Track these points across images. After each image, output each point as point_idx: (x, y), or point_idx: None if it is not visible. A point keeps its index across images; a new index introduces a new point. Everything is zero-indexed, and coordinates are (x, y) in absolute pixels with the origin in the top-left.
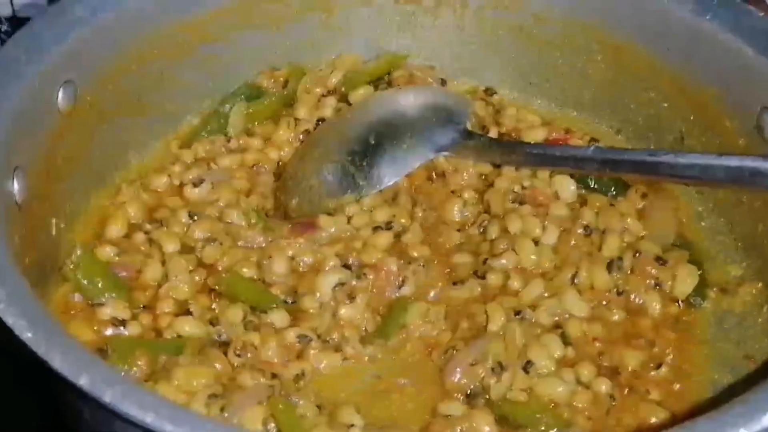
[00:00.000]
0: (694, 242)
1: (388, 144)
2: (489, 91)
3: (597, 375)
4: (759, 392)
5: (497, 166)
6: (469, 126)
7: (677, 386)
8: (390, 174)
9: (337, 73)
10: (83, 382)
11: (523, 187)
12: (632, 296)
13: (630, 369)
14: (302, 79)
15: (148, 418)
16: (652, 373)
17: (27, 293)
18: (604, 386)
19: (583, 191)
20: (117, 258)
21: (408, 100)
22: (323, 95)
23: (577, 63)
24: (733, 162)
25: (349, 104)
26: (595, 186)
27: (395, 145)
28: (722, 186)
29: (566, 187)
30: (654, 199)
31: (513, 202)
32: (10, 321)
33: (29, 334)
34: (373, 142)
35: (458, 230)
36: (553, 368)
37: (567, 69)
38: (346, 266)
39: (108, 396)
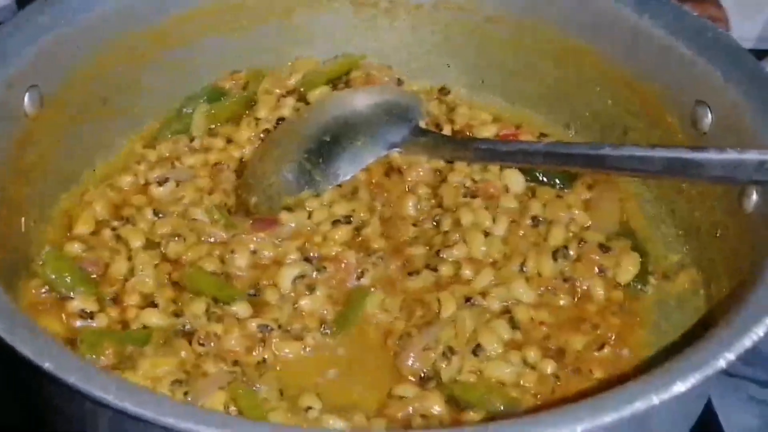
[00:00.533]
0: (637, 231)
1: (343, 142)
2: (443, 91)
3: (543, 357)
4: (673, 363)
5: (450, 162)
6: (421, 123)
7: (619, 366)
8: (345, 170)
9: (296, 75)
10: (48, 365)
11: (475, 181)
12: (577, 283)
13: (575, 351)
14: (262, 81)
15: (109, 397)
16: (596, 353)
17: None
18: (549, 367)
19: (533, 184)
20: (85, 254)
21: (362, 100)
22: (283, 96)
23: (527, 62)
24: (667, 153)
25: (308, 104)
26: (544, 179)
27: (350, 142)
28: (659, 176)
29: (515, 180)
30: (599, 190)
31: (465, 196)
32: None
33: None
34: (328, 140)
35: (413, 224)
36: (501, 351)
37: (518, 67)
38: (307, 259)
39: (72, 378)
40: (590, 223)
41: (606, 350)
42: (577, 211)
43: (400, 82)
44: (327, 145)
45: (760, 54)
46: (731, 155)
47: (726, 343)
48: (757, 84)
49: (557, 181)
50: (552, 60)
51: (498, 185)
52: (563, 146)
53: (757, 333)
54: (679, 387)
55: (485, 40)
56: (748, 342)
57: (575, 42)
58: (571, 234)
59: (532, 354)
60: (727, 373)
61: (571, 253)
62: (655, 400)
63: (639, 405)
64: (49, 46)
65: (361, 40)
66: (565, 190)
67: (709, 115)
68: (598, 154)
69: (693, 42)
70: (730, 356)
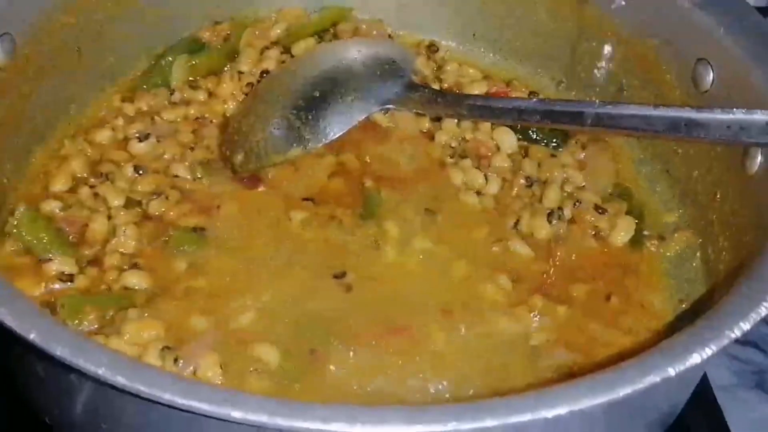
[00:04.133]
0: (633, 191)
1: (332, 97)
2: (432, 48)
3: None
4: (688, 334)
5: (437, 120)
6: (413, 78)
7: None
8: (335, 127)
9: (280, 25)
10: (33, 336)
11: (465, 140)
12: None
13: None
14: (244, 32)
15: (100, 370)
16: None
17: None
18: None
19: (525, 143)
20: (62, 213)
21: (352, 53)
22: (266, 48)
23: (519, 14)
24: (669, 113)
25: (293, 57)
26: (537, 137)
27: (340, 98)
28: (659, 136)
29: (507, 139)
30: (594, 149)
31: (452, 156)
32: None
33: None
34: (317, 95)
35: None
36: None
37: (510, 21)
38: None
39: (58, 350)
40: (585, 183)
41: (614, 300)
42: (571, 171)
43: (390, 36)
44: (316, 101)
45: (766, 12)
46: (737, 116)
47: (740, 313)
48: (762, 41)
49: (551, 139)
50: (546, 12)
51: (489, 144)
52: (560, 103)
53: None
54: (695, 359)
55: None
56: (763, 310)
57: None
58: (565, 194)
59: (540, 304)
60: None
61: (567, 213)
62: (672, 372)
63: (653, 378)
64: None
65: None
66: (559, 149)
67: (711, 73)
68: (598, 112)
69: None
70: (746, 326)
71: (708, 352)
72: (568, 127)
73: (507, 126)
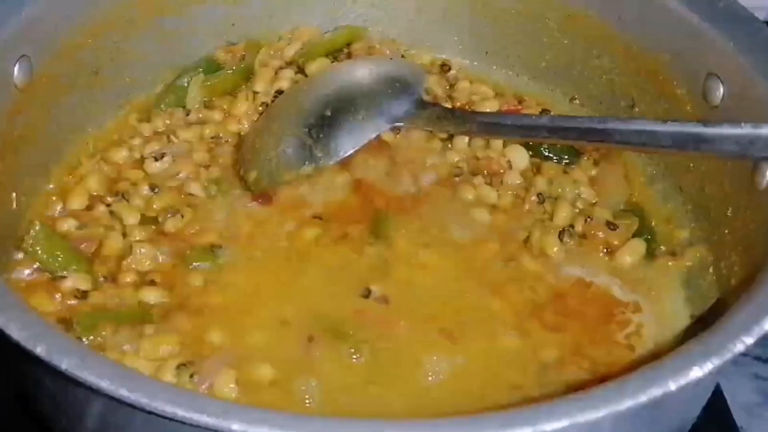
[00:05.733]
0: (645, 207)
1: (343, 116)
2: (444, 67)
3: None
4: (686, 349)
5: (449, 138)
6: (423, 96)
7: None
8: (347, 145)
9: (295, 45)
10: (40, 350)
11: (477, 159)
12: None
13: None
14: (259, 52)
15: (103, 384)
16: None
17: None
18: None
19: (537, 160)
20: (78, 231)
21: (363, 72)
22: (281, 67)
23: (531, 31)
24: (678, 128)
25: (307, 76)
26: (549, 154)
27: (351, 116)
28: (667, 151)
29: (519, 156)
30: (606, 166)
31: (457, 176)
32: None
33: None
34: (329, 114)
35: None
36: None
37: (522, 37)
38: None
39: (65, 364)
40: (597, 199)
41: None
42: (583, 188)
43: (403, 56)
44: (327, 120)
45: None
46: (745, 130)
47: (743, 327)
48: None
49: (563, 156)
50: (557, 29)
51: (502, 161)
52: (568, 120)
53: None
54: (696, 372)
55: (487, 8)
56: (766, 325)
57: (581, 9)
58: (577, 211)
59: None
60: None
61: (578, 229)
62: (672, 386)
63: (655, 391)
64: (39, 13)
65: (362, 8)
66: (572, 166)
67: (721, 88)
68: (606, 128)
69: (704, 11)
70: (748, 340)
71: (709, 366)
72: (574, 143)
73: (519, 143)
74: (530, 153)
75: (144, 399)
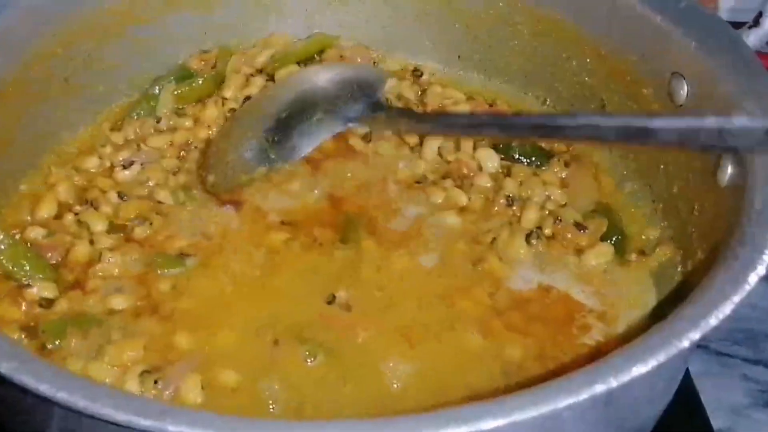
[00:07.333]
0: (615, 208)
1: (299, 118)
2: (416, 72)
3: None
4: (636, 344)
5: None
6: (381, 99)
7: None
8: (301, 146)
9: (266, 53)
10: None
11: (448, 162)
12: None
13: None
14: (231, 59)
15: (41, 388)
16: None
17: None
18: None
19: (508, 162)
20: (45, 239)
21: (324, 76)
22: (251, 75)
23: (502, 35)
24: (620, 121)
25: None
26: (519, 157)
27: (307, 119)
28: (615, 143)
29: (489, 158)
30: (576, 167)
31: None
32: None
33: None
34: (285, 116)
35: None
36: None
37: (493, 41)
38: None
39: (3, 368)
40: (566, 201)
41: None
42: (553, 189)
43: (375, 63)
44: (284, 122)
45: (736, 25)
46: (686, 122)
47: (690, 323)
48: (732, 55)
49: (533, 158)
50: (528, 33)
51: (471, 164)
52: (517, 117)
53: (723, 311)
54: (640, 369)
55: (459, 13)
56: (713, 321)
57: (551, 13)
58: (546, 212)
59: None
60: (717, 352)
61: (546, 231)
62: (614, 382)
63: (598, 387)
64: (8, 22)
65: (334, 14)
66: (542, 168)
67: (685, 87)
68: (554, 124)
69: (667, 12)
70: (695, 336)
71: (653, 362)
72: (523, 139)
73: (487, 146)
74: (501, 156)
75: (82, 402)
